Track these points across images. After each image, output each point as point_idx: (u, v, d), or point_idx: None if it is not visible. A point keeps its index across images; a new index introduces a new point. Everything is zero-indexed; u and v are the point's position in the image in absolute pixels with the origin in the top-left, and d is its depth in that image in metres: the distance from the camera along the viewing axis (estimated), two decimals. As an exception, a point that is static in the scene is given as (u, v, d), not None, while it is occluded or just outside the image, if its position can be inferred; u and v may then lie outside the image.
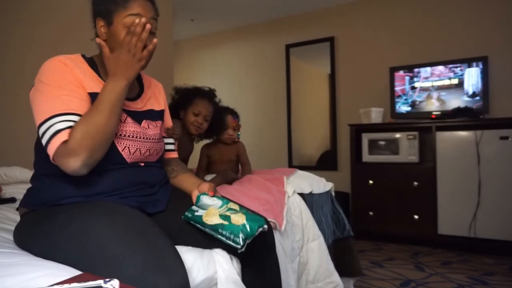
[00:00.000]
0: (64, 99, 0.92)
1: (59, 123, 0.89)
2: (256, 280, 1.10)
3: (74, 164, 0.88)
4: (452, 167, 2.92)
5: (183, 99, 1.84)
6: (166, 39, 3.26)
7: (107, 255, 0.78)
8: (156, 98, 1.22)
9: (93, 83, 1.01)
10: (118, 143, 1.01)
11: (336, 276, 1.64)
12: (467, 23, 3.32)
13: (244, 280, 1.06)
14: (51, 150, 0.89)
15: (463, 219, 2.86)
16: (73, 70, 0.97)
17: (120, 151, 1.02)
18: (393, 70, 3.44)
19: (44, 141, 0.90)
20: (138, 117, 1.11)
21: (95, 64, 1.06)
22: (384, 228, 3.21)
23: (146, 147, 1.08)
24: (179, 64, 5.03)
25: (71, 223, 0.88)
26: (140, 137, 1.07)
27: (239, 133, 2.06)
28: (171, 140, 1.30)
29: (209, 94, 1.87)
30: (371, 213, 3.24)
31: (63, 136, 0.88)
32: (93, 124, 0.89)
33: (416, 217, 3.04)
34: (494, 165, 2.78)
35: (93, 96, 0.98)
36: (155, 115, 1.18)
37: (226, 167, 1.96)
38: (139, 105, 1.13)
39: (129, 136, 1.04)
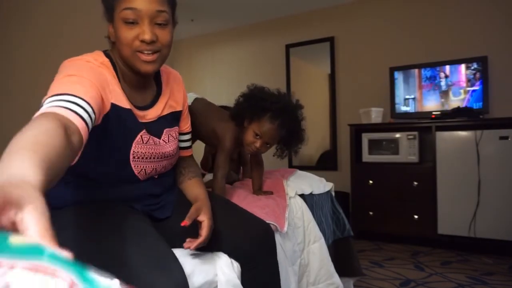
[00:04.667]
0: (64, 81, 0.80)
1: (50, 103, 0.72)
2: (256, 284, 1.10)
3: None
4: (452, 167, 2.93)
5: (250, 109, 1.43)
6: (166, 40, 3.26)
7: (106, 255, 0.79)
8: (175, 97, 1.11)
9: (115, 86, 0.94)
10: (135, 166, 0.98)
11: (336, 278, 1.64)
12: (467, 23, 3.32)
13: (244, 284, 1.06)
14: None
15: (463, 219, 2.86)
16: (97, 68, 0.89)
17: (136, 173, 0.99)
18: (393, 70, 3.44)
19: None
20: (157, 128, 1.03)
21: (113, 60, 0.98)
22: (384, 228, 3.21)
23: (163, 165, 1.05)
24: (179, 64, 5.02)
25: (72, 223, 0.88)
26: (158, 158, 1.02)
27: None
28: (185, 137, 1.20)
29: (282, 116, 1.39)
30: (371, 213, 3.25)
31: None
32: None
33: (416, 217, 3.04)
34: (494, 165, 2.78)
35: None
36: (174, 119, 1.11)
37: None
38: (157, 112, 1.04)
39: (147, 158, 0.99)
